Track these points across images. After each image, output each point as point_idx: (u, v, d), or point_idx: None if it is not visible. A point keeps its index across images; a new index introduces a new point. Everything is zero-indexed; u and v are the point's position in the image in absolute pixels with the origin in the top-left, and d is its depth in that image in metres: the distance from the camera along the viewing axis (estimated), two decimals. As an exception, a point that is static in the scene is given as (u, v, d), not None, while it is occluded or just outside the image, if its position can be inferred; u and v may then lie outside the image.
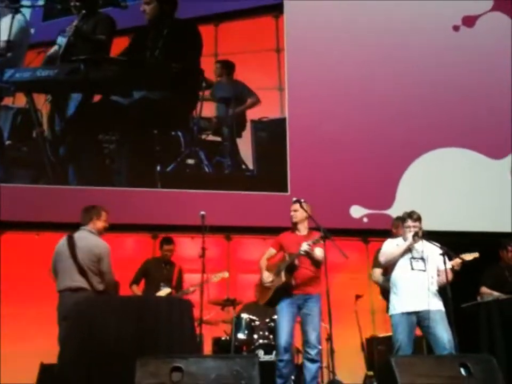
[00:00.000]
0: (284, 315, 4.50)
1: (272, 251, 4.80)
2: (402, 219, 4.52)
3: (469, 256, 4.36)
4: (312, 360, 4.39)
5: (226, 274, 5.43)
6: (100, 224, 4.39)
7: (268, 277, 4.61)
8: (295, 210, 4.72)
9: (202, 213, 4.49)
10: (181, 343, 3.60)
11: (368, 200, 6.94)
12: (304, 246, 4.37)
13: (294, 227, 4.76)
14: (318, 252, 4.49)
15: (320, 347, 4.45)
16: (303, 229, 4.74)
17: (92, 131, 6.67)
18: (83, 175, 6.52)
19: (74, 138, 6.62)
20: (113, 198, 6.36)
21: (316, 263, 4.54)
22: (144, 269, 5.65)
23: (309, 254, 4.43)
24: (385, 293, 4.83)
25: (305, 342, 4.46)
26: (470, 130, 7.30)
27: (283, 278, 4.46)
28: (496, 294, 4.87)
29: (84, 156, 6.60)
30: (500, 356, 3.74)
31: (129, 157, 6.65)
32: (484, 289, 5.04)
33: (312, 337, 4.41)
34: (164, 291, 5.34)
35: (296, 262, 4.48)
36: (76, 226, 6.31)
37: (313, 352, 4.38)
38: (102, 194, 6.34)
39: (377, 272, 5.08)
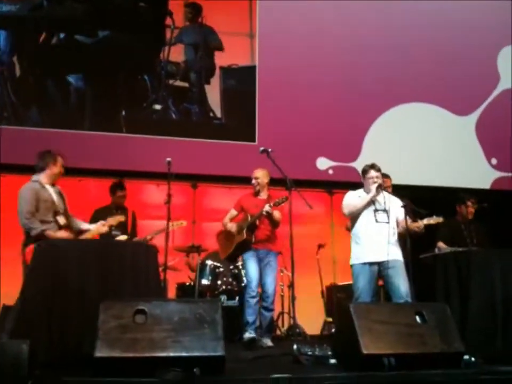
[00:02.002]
0: (250, 261, 4.97)
1: (233, 212, 5.21)
2: (364, 171, 4.55)
3: (432, 221, 4.46)
4: (267, 309, 4.94)
5: (184, 223, 5.36)
6: (56, 169, 4.28)
7: (231, 227, 5.10)
8: (256, 178, 5.08)
9: (168, 159, 4.43)
10: (145, 287, 3.63)
11: (335, 152, 7.00)
12: (267, 207, 4.78)
13: (256, 191, 5.14)
14: (277, 214, 4.94)
15: (274, 298, 4.98)
16: (263, 193, 5.13)
17: (55, 71, 6.43)
18: (46, 117, 6.33)
19: (36, 78, 6.39)
20: (76, 142, 6.22)
21: (274, 223, 5.00)
22: (93, 219, 5.16)
23: (270, 215, 4.86)
24: None
25: (263, 292, 4.96)
26: (437, 87, 7.35)
27: (244, 235, 4.91)
28: (450, 249, 4.98)
29: (46, 97, 6.39)
30: (454, 305, 3.89)
31: (94, 100, 6.47)
32: (441, 244, 5.18)
33: (270, 289, 4.91)
34: (120, 238, 5.04)
35: (257, 222, 4.93)
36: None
37: (269, 303, 4.92)
38: (65, 137, 6.20)
39: None
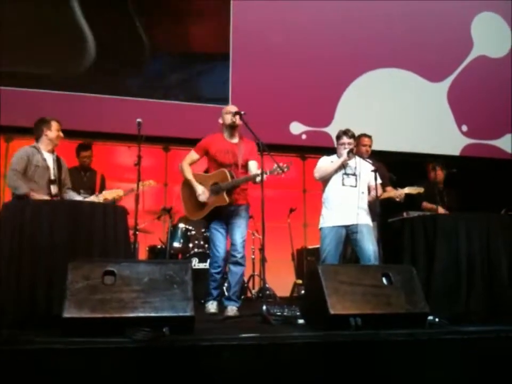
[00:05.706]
0: (218, 232, 4.49)
1: (195, 156, 4.60)
2: (337, 136, 4.60)
3: (413, 190, 4.51)
4: (237, 263, 4.44)
5: (152, 182, 5.28)
6: (52, 134, 4.32)
7: (203, 192, 4.45)
8: (234, 114, 4.42)
9: (138, 120, 4.36)
10: (115, 249, 3.61)
11: (308, 117, 6.99)
12: (263, 176, 4.02)
13: (229, 131, 4.53)
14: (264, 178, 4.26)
15: (244, 252, 4.49)
16: (236, 135, 4.56)
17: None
18: (18, 76, 6.13)
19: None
20: (46, 102, 6.08)
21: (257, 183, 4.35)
22: None
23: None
24: None
25: (232, 246, 4.49)
26: (411, 53, 7.36)
27: (226, 199, 4.31)
28: (418, 213, 5.04)
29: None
30: (420, 267, 3.97)
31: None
32: (426, 204, 5.29)
33: (239, 242, 4.42)
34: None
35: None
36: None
37: (239, 256, 4.42)
38: (33, 98, 6.05)
39: None
